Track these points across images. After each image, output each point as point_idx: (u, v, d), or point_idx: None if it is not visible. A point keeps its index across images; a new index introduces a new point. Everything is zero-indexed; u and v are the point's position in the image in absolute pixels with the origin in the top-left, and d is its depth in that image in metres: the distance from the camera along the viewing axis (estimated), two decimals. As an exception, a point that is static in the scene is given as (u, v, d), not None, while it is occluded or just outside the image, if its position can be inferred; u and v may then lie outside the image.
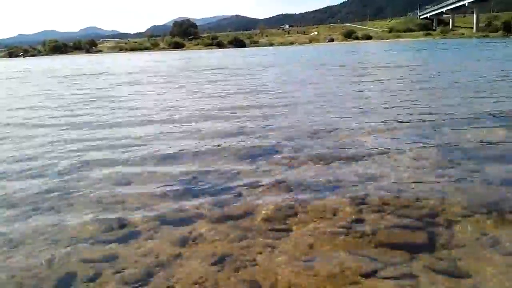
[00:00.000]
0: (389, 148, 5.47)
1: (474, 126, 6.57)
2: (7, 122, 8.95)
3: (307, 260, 2.84)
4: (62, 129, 7.81)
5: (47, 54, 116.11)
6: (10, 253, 3.15)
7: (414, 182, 4.24)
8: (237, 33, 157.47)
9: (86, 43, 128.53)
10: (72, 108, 10.77)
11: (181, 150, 5.87)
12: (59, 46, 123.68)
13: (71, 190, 4.44)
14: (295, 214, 3.61)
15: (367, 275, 2.64)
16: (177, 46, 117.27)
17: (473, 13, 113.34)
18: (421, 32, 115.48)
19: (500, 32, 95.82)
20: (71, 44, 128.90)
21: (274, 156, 5.37)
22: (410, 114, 7.76)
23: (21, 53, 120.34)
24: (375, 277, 2.63)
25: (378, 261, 2.81)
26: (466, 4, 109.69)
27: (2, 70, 39.61)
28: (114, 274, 2.80)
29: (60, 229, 3.52)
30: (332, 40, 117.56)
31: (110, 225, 3.55)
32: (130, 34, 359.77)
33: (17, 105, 12.08)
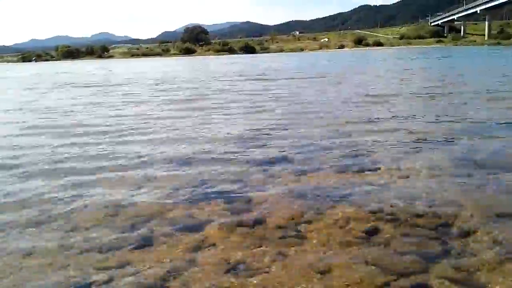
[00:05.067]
0: (402, 157, 5.44)
1: (487, 134, 6.52)
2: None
3: (321, 269, 2.82)
4: (77, 134, 7.89)
5: (59, 59, 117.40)
6: (24, 260, 3.17)
7: (427, 191, 4.20)
8: (247, 39, 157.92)
9: (98, 49, 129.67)
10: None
11: (194, 156, 5.89)
12: (71, 51, 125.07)
13: (83, 196, 4.47)
14: (308, 223, 3.59)
15: (382, 285, 2.62)
16: (188, 52, 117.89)
17: (485, 20, 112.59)
18: (432, 39, 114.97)
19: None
20: (83, 49, 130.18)
21: (287, 164, 5.36)
22: (424, 122, 7.73)
23: (34, 58, 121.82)
24: (390, 287, 2.61)
25: (393, 270, 2.78)
26: (478, 11, 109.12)
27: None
28: (128, 281, 2.80)
29: (73, 235, 3.54)
30: (342, 46, 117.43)
31: (124, 231, 3.56)
32: (142, 39, 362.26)
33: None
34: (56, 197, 4.48)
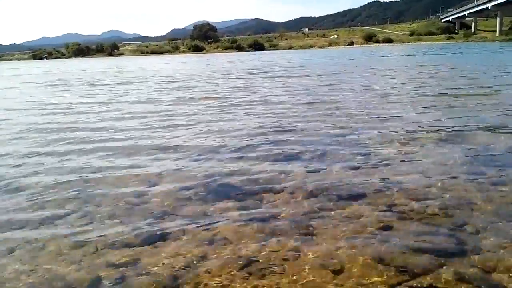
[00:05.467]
0: (415, 155, 5.41)
1: (500, 132, 6.45)
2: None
3: (334, 267, 2.81)
4: (92, 132, 7.95)
5: (70, 57, 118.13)
6: (37, 256, 3.20)
7: (441, 188, 4.17)
8: (256, 36, 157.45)
9: (108, 46, 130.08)
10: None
11: (205, 153, 5.90)
12: (82, 49, 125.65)
13: (96, 193, 4.49)
14: (321, 219, 3.58)
15: (395, 284, 2.60)
16: (197, 49, 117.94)
17: (496, 16, 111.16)
18: (443, 36, 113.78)
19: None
20: (93, 47, 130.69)
21: (299, 161, 5.36)
22: (437, 120, 7.66)
23: (45, 56, 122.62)
24: (404, 286, 2.59)
25: (406, 269, 2.76)
26: (489, 7, 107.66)
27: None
28: (139, 277, 2.81)
29: (85, 231, 3.56)
30: (352, 43, 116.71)
31: (135, 227, 3.58)
32: (151, 37, 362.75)
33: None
34: (69, 190, 4.55)
